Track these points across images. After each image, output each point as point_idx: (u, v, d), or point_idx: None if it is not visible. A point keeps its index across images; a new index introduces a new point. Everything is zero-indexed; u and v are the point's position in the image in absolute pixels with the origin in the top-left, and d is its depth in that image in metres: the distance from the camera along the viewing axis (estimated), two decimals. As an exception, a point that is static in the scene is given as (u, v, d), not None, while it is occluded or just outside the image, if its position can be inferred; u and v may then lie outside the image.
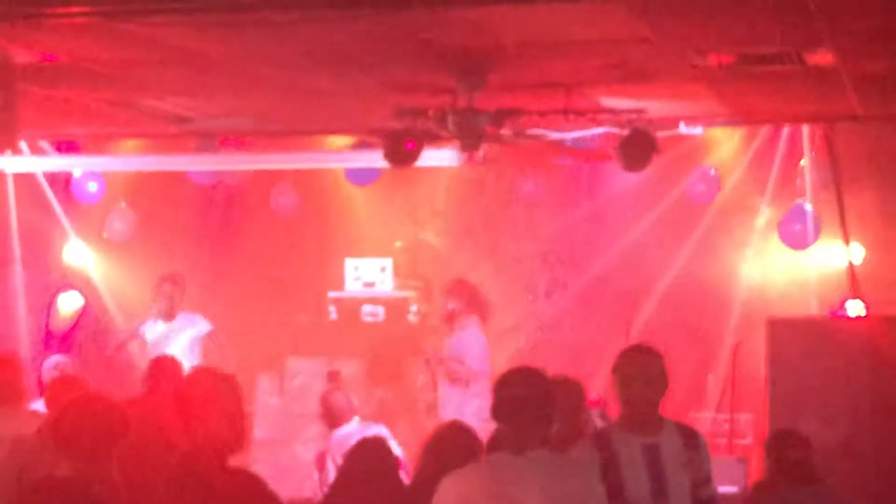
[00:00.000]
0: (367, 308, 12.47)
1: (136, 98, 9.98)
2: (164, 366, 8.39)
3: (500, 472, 5.22)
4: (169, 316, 11.36)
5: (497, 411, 5.36)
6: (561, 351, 11.42)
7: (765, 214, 11.90)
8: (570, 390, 6.49)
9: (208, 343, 11.46)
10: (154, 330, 11.36)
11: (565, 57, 8.34)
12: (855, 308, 11.23)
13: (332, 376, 11.17)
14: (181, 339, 11.28)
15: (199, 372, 6.88)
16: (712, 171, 11.84)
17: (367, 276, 12.56)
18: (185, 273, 11.82)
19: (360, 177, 12.69)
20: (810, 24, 7.27)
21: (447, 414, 10.28)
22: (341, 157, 12.21)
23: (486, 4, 6.95)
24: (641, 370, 5.98)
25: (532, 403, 5.27)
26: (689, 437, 6.02)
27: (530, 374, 5.39)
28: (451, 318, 10.65)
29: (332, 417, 9.73)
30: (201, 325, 11.45)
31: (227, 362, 11.17)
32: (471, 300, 10.67)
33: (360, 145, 11.73)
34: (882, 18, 7.20)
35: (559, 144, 10.45)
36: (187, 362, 10.87)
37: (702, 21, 7.35)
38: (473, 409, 9.94)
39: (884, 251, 11.52)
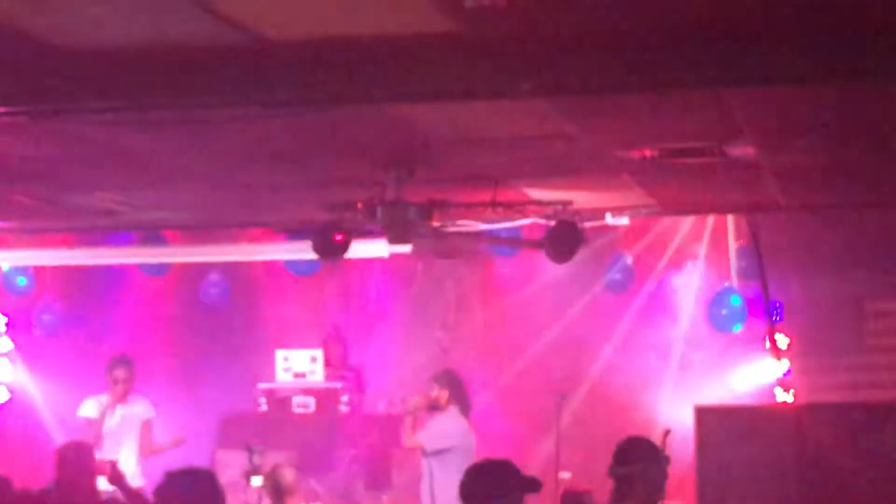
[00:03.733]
0: (297, 399, 12.42)
1: (62, 194, 9.96)
2: (72, 453, 8.31)
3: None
4: (124, 399, 11.30)
5: (463, 492, 5.80)
6: (488, 440, 11.43)
7: (692, 300, 12.04)
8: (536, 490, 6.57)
9: (145, 430, 11.40)
10: (112, 415, 11.28)
11: (491, 151, 8.45)
12: (782, 395, 11.35)
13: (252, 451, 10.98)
14: (135, 422, 11.27)
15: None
16: (629, 260, 11.92)
17: (298, 366, 12.52)
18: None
19: (300, 267, 12.72)
20: (730, 119, 7.44)
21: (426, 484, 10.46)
22: (272, 248, 12.21)
23: (411, 102, 7.03)
24: None
25: (497, 492, 5.71)
26: None
27: (502, 465, 5.87)
28: (434, 405, 10.65)
29: (279, 493, 9.64)
30: (149, 409, 11.43)
31: (160, 450, 11.18)
32: (455, 390, 10.70)
33: (295, 235, 11.76)
34: (799, 114, 7.38)
35: (487, 236, 10.56)
36: (135, 444, 10.91)
37: (624, 118, 7.49)
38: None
39: (808, 338, 11.68)
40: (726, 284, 11.70)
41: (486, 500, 5.81)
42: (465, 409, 10.70)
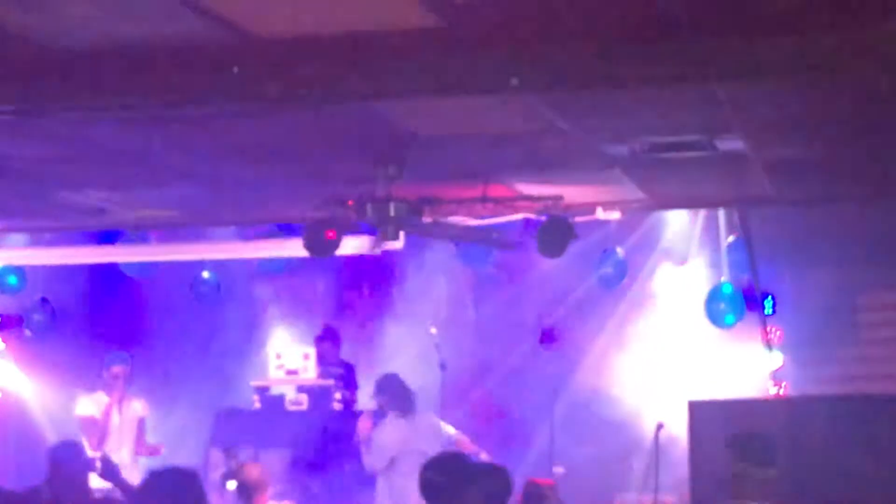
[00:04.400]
0: (290, 396, 12.40)
1: (53, 192, 9.94)
2: (64, 452, 8.28)
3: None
4: (124, 396, 11.27)
5: (423, 491, 5.89)
6: (480, 437, 11.46)
7: (684, 295, 12.03)
8: (497, 478, 6.53)
9: (139, 429, 11.40)
10: (117, 413, 11.25)
11: (481, 147, 8.44)
12: (775, 388, 11.36)
13: (229, 454, 10.96)
14: (133, 420, 11.27)
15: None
16: (620, 255, 11.87)
17: (291, 364, 12.50)
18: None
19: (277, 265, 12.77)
20: (720, 113, 7.43)
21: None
22: (261, 246, 12.19)
23: (400, 98, 7.02)
24: None
25: (452, 487, 5.76)
26: None
27: (453, 460, 5.98)
28: (379, 414, 10.77)
29: (247, 491, 9.66)
30: (144, 408, 11.43)
31: (154, 451, 11.18)
32: (391, 395, 10.77)
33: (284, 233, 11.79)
34: (788, 107, 7.38)
35: (478, 231, 10.55)
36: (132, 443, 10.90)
37: (615, 112, 7.48)
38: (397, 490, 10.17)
39: (801, 331, 11.69)
40: (721, 279, 11.68)
41: (443, 492, 5.83)
42: (406, 410, 10.75)
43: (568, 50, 6.19)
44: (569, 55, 6.23)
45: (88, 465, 8.34)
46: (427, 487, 5.92)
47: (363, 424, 10.83)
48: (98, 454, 9.23)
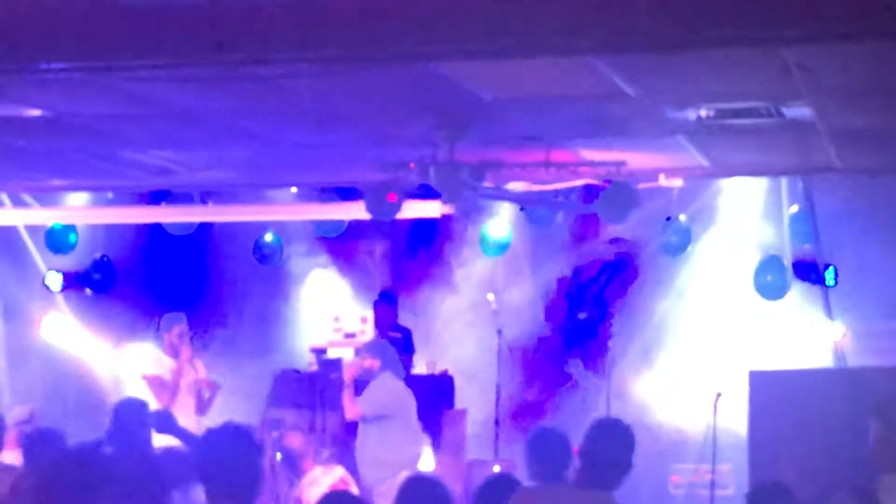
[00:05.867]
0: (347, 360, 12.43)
1: (118, 151, 10.01)
2: (128, 409, 8.32)
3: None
4: (190, 357, 11.18)
5: None
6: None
7: (744, 265, 11.95)
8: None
9: (204, 390, 11.37)
10: (185, 374, 11.22)
11: (545, 111, 8.41)
12: (835, 359, 11.28)
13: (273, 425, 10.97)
14: (193, 382, 11.27)
15: None
16: (683, 222, 11.79)
17: (349, 327, 12.53)
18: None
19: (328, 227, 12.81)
20: (788, 79, 7.35)
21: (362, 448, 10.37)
22: (322, 209, 12.23)
23: (464, 60, 6.99)
24: None
25: None
26: None
27: (428, 485, 6.00)
28: (366, 374, 10.61)
29: (293, 459, 9.77)
30: (202, 370, 11.40)
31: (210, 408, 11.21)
32: (387, 358, 10.62)
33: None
34: (858, 74, 7.29)
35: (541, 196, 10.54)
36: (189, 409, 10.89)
37: (680, 77, 7.43)
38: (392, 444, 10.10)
39: (861, 303, 11.60)
40: (772, 253, 11.57)
41: None
42: (401, 375, 10.67)
43: (636, 14, 6.14)
44: (636, 19, 6.17)
45: (152, 421, 8.41)
46: None
47: (350, 370, 10.61)
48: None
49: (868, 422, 9.61)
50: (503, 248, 12.53)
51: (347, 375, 10.32)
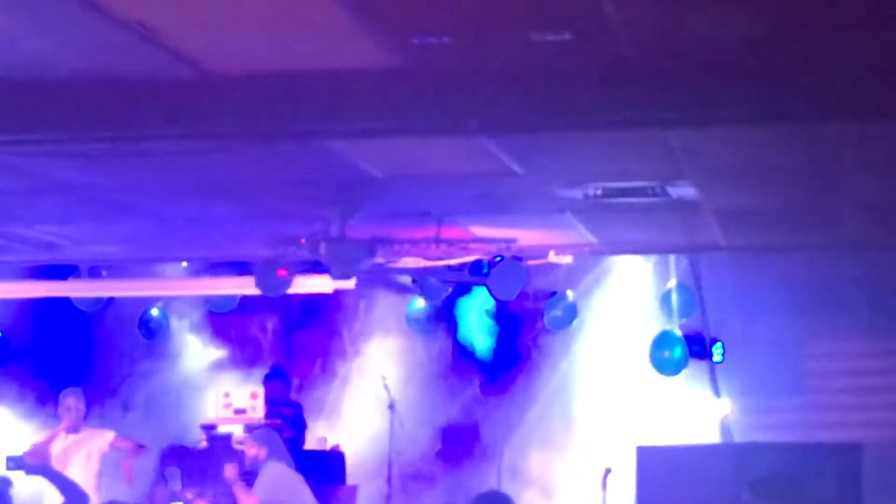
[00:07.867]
0: (237, 436, 12.30)
1: (4, 227, 9.85)
2: None
3: None
4: (75, 429, 11.18)
5: None
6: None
7: (633, 340, 12.06)
8: None
9: (109, 450, 11.21)
10: (60, 443, 11.16)
11: (435, 188, 8.45)
12: (722, 435, 11.40)
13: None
14: (83, 451, 11.13)
15: None
16: (570, 298, 11.91)
17: (238, 403, 12.40)
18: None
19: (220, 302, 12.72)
20: (671, 160, 7.47)
21: None
22: (211, 283, 12.13)
23: (355, 138, 7.02)
24: None
25: None
26: None
27: None
28: (253, 464, 10.51)
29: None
30: (106, 435, 11.28)
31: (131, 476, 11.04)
32: (273, 447, 10.53)
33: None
34: (740, 156, 7.43)
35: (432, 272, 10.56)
36: (89, 473, 10.74)
37: (567, 156, 7.51)
38: None
39: (749, 378, 11.74)
40: (667, 328, 11.69)
41: None
42: (288, 461, 10.60)
43: (524, 94, 6.21)
44: (525, 99, 6.25)
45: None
46: None
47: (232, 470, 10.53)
48: None
49: (755, 499, 9.76)
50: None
51: (231, 473, 10.24)
